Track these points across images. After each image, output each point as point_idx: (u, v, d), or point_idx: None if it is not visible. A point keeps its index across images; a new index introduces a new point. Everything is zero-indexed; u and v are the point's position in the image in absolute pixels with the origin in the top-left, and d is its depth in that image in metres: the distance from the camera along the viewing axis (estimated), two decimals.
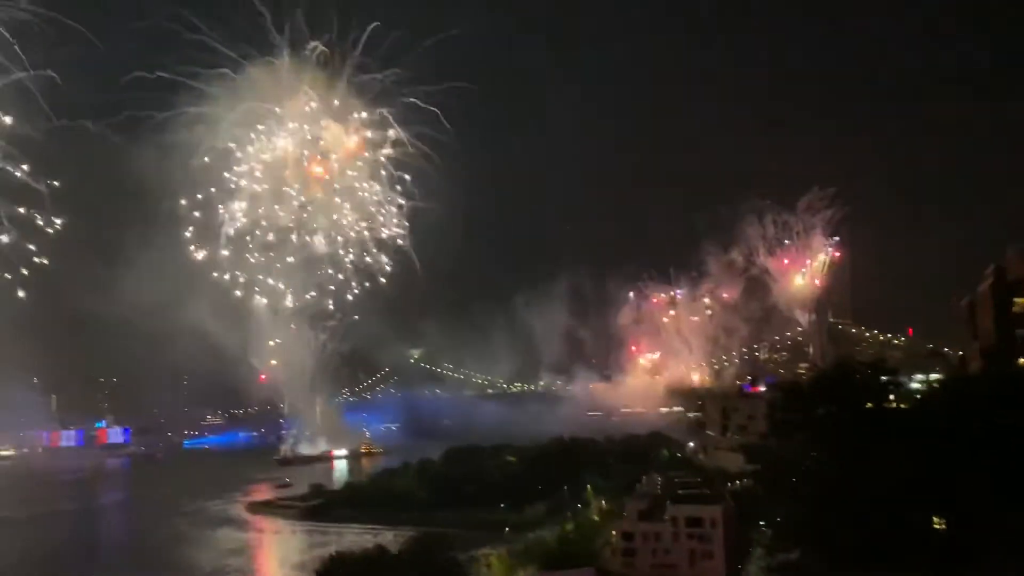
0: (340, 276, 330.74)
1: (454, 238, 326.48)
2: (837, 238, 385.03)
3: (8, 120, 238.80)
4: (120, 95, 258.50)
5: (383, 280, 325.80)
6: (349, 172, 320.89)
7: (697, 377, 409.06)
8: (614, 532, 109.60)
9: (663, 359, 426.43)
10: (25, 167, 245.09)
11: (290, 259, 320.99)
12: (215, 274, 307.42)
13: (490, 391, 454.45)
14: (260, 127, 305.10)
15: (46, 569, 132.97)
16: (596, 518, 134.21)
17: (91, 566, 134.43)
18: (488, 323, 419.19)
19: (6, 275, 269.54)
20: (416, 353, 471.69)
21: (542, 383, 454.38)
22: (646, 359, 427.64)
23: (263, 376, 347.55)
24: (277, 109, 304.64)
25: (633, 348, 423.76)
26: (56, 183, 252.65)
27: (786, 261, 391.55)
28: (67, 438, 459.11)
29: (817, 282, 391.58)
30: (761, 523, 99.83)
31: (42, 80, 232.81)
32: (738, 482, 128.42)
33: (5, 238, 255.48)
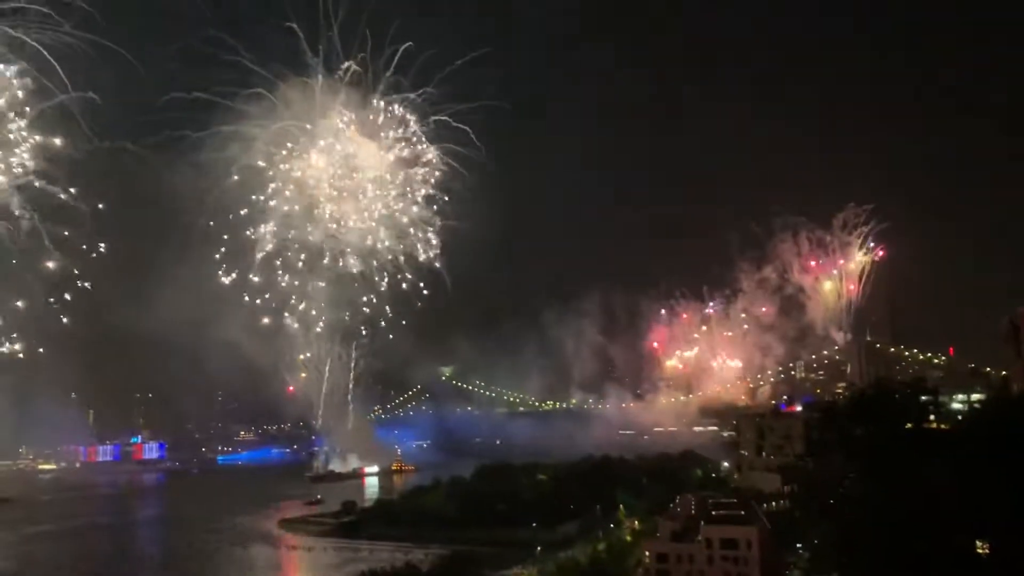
0: (372, 296, 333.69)
1: (486, 256, 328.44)
2: (874, 245, 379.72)
3: (58, 141, 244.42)
4: (158, 116, 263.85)
5: (417, 301, 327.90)
6: (380, 191, 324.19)
7: (731, 396, 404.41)
8: (647, 552, 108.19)
9: (696, 376, 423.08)
10: (72, 190, 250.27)
11: (321, 283, 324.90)
12: (246, 297, 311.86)
13: (521, 409, 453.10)
14: (291, 145, 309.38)
15: None
16: (629, 538, 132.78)
17: None
18: (519, 341, 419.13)
19: (51, 300, 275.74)
20: (447, 371, 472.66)
21: (573, 401, 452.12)
22: (677, 358, 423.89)
23: (291, 388, 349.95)
24: (308, 126, 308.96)
25: (655, 344, 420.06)
26: (101, 206, 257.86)
27: (813, 263, 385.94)
28: (104, 453, 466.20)
29: (851, 287, 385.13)
30: (798, 545, 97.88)
31: (83, 102, 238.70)
32: (774, 503, 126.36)
33: (51, 264, 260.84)
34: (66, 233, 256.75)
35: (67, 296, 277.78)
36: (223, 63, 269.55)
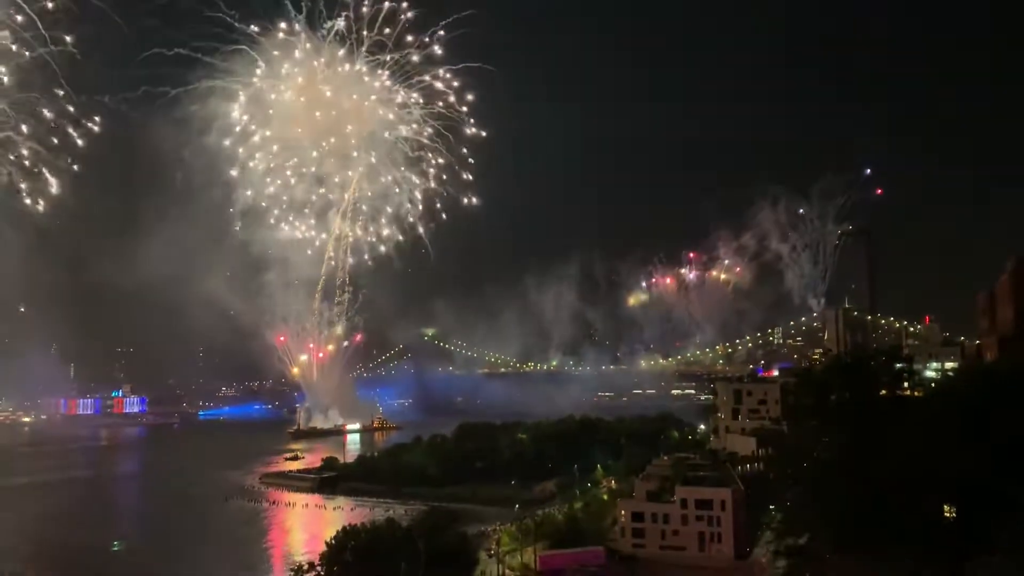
0: (354, 255, 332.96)
1: (468, 219, 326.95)
2: (851, 225, 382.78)
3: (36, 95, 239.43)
4: (137, 72, 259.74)
5: (399, 261, 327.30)
6: (364, 150, 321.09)
7: (709, 361, 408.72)
8: (623, 511, 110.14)
9: (672, 340, 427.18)
10: (51, 144, 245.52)
11: (301, 237, 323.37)
12: (227, 253, 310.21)
13: (502, 370, 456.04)
14: (274, 98, 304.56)
15: (57, 535, 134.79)
16: (605, 497, 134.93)
17: (104, 532, 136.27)
18: (500, 303, 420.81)
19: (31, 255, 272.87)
20: (429, 331, 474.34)
21: (553, 363, 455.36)
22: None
23: (282, 338, 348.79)
24: (289, 83, 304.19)
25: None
26: (74, 165, 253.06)
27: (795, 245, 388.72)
28: (84, 406, 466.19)
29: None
30: (771, 507, 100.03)
31: (62, 56, 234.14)
32: (749, 466, 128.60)
33: (30, 218, 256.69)
34: (52, 186, 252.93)
35: (47, 251, 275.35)
36: (206, 19, 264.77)
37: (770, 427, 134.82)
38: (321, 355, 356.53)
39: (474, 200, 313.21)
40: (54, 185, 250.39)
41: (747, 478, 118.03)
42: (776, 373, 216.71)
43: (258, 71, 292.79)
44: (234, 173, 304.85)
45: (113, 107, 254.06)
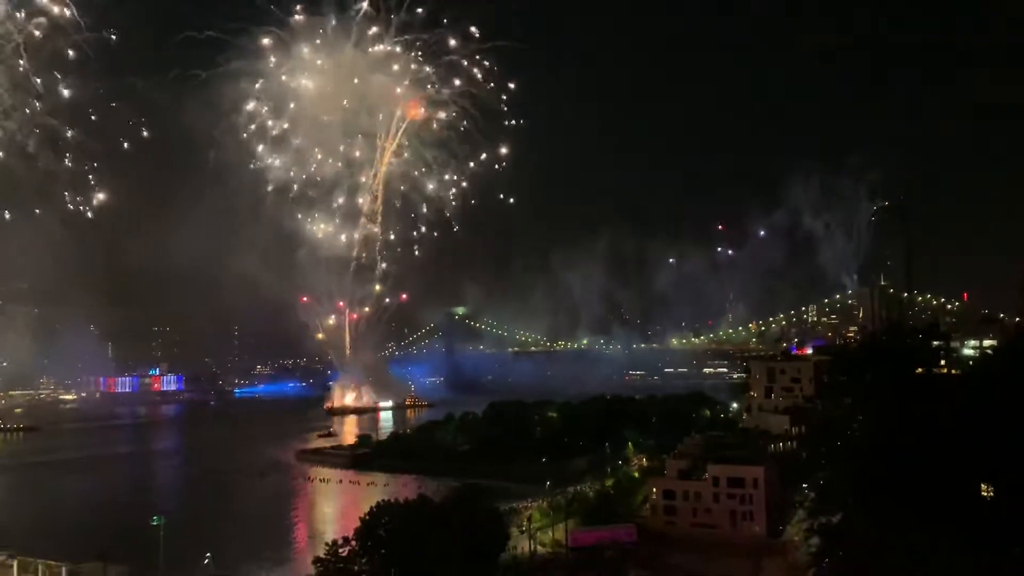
0: (381, 230, 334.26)
1: (498, 199, 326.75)
2: (886, 202, 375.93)
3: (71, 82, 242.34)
4: (170, 55, 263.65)
5: (429, 240, 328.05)
6: (393, 129, 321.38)
7: (742, 339, 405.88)
8: (654, 489, 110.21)
9: (704, 319, 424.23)
10: (86, 130, 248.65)
11: (335, 220, 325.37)
12: (262, 225, 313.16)
13: (532, 348, 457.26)
14: (305, 82, 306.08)
15: (98, 511, 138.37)
16: (637, 475, 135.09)
17: (144, 508, 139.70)
18: (530, 283, 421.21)
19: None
20: (460, 310, 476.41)
21: (584, 342, 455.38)
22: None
23: (304, 298, 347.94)
24: (319, 62, 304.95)
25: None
26: (126, 144, 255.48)
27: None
28: (123, 385, 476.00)
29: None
30: (804, 485, 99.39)
31: (97, 42, 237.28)
32: (781, 444, 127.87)
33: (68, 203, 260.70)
34: (91, 171, 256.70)
35: (85, 232, 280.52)
36: (236, 2, 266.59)
37: (803, 405, 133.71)
38: (355, 316, 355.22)
39: (503, 166, 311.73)
40: (95, 179, 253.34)
41: (780, 456, 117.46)
42: (810, 351, 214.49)
43: (289, 53, 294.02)
44: (264, 154, 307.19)
45: (146, 90, 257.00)
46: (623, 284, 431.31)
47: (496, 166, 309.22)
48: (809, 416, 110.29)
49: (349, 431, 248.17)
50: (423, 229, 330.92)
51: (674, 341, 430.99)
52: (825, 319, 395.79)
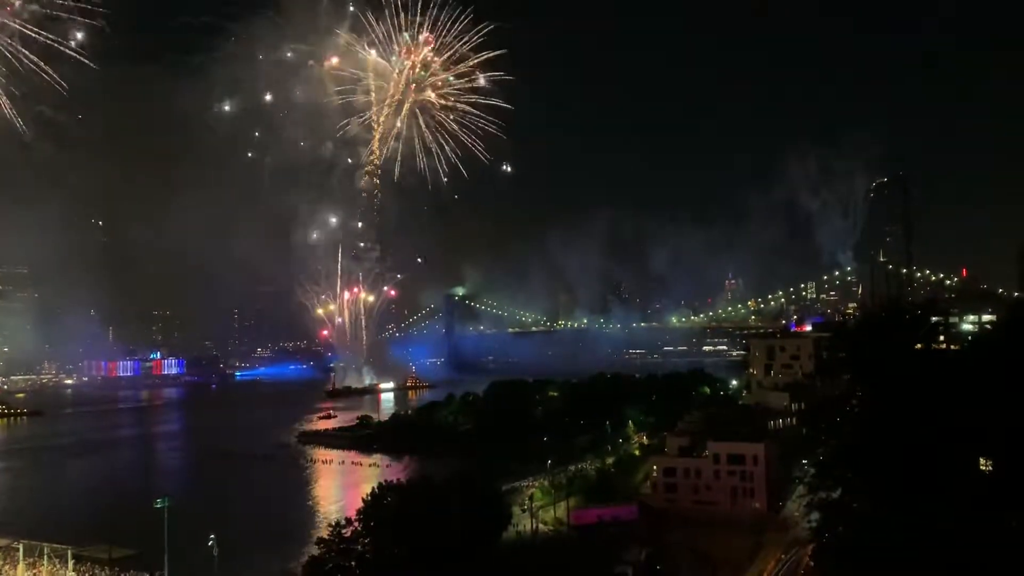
0: (383, 214, 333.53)
1: (496, 178, 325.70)
2: (885, 178, 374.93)
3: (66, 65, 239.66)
4: (165, 38, 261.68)
5: (427, 219, 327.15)
6: (390, 108, 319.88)
7: (740, 316, 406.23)
8: (655, 467, 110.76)
9: (703, 297, 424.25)
10: (82, 115, 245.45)
11: (331, 200, 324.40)
12: (259, 208, 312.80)
13: (532, 328, 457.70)
14: (301, 61, 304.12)
15: (102, 494, 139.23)
16: (637, 453, 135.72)
17: (148, 490, 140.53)
18: (529, 262, 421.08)
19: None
20: (459, 291, 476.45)
21: (584, 321, 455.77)
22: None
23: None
24: (314, 46, 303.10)
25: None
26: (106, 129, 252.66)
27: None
28: (124, 368, 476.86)
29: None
30: (803, 461, 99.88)
31: (91, 26, 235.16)
32: (781, 421, 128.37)
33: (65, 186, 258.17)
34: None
35: (83, 216, 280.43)
36: None
37: (803, 382, 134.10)
38: (355, 297, 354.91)
39: (508, 169, 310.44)
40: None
41: (780, 433, 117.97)
42: (809, 328, 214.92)
43: (283, 35, 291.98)
44: (262, 137, 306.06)
45: (142, 75, 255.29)
46: (622, 263, 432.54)
47: (496, 137, 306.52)
48: (808, 393, 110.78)
49: (350, 413, 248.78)
50: (424, 208, 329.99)
51: (673, 319, 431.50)
52: (824, 296, 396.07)
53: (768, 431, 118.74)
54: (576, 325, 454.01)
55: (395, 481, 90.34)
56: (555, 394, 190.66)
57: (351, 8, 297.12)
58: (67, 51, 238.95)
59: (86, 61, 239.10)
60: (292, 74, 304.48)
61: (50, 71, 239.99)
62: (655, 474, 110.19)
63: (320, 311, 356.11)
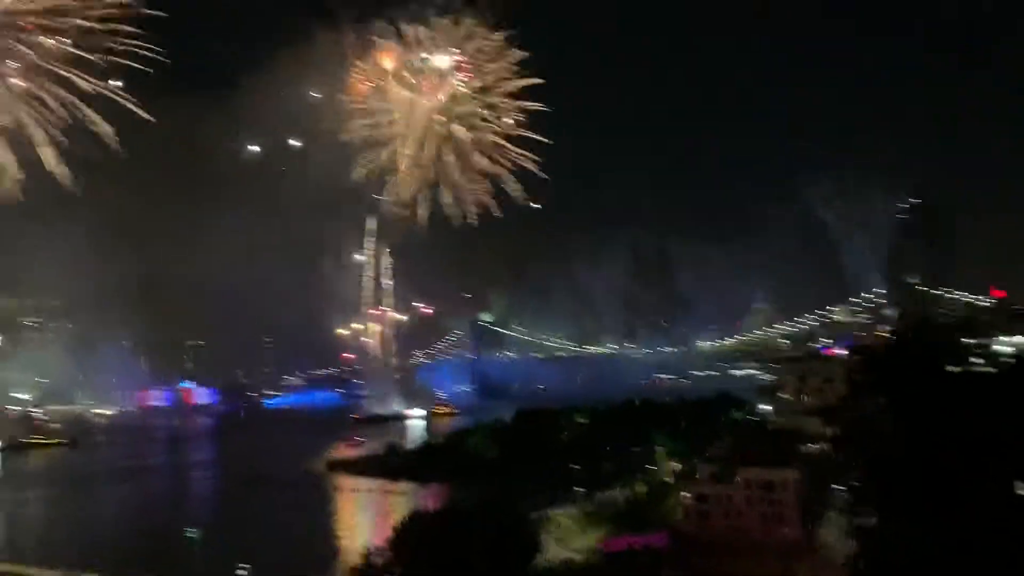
0: (410, 241, 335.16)
1: (525, 210, 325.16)
2: (913, 197, 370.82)
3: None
4: (195, 61, 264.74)
5: (453, 245, 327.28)
6: (417, 137, 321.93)
7: (770, 339, 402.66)
8: (687, 494, 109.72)
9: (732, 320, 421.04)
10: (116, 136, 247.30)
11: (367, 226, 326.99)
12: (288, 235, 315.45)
13: (557, 353, 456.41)
14: (333, 88, 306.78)
15: (134, 522, 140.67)
16: (667, 480, 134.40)
17: (179, 519, 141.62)
18: (556, 287, 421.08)
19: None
20: (486, 316, 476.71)
21: (610, 346, 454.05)
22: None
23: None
24: (352, 71, 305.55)
25: None
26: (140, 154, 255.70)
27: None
28: (156, 398, 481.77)
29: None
30: (838, 487, 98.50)
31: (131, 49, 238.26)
32: (813, 446, 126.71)
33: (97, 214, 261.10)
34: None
35: (111, 246, 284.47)
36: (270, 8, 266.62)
37: (835, 406, 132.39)
38: (383, 324, 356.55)
39: (534, 203, 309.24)
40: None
41: (812, 458, 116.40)
42: (840, 351, 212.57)
43: (319, 56, 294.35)
44: (291, 166, 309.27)
45: (173, 99, 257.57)
46: (648, 287, 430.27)
47: (527, 165, 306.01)
48: (841, 417, 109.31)
49: (378, 440, 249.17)
50: (447, 234, 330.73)
51: (701, 343, 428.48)
52: (855, 318, 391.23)
53: (800, 456, 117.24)
54: (602, 350, 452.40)
55: (424, 510, 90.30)
56: (582, 420, 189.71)
57: (377, 39, 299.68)
58: (107, 92, 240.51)
59: (129, 103, 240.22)
60: (318, 106, 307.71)
61: (86, 109, 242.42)
62: (686, 501, 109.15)
63: (348, 338, 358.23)
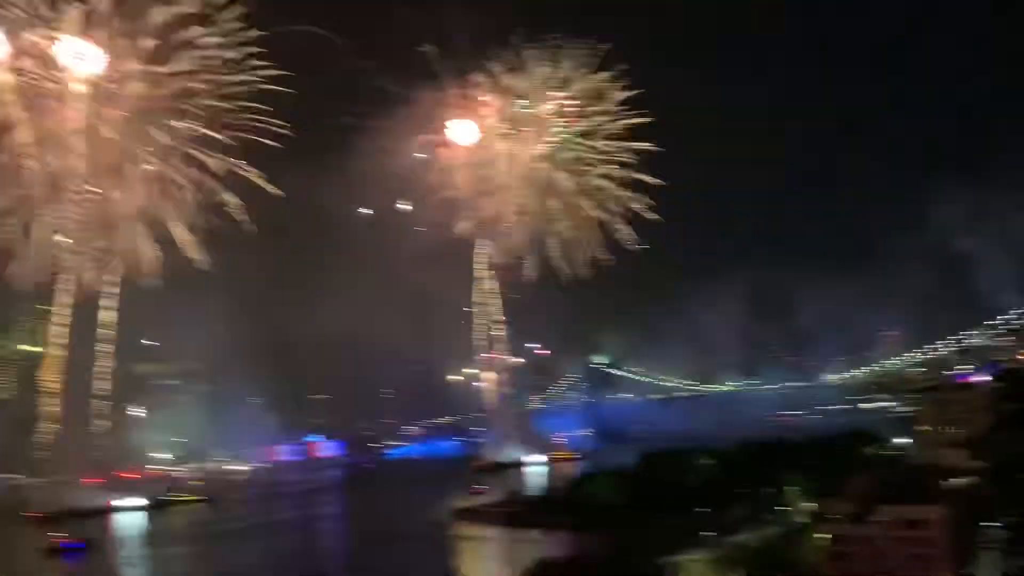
0: (520, 289, 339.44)
1: (634, 253, 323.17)
2: None
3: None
4: (312, 138, 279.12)
5: (562, 281, 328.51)
6: (523, 187, 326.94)
7: (902, 368, 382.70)
8: (824, 536, 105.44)
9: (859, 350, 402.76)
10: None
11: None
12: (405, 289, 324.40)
13: (677, 393, 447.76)
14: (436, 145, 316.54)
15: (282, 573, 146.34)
16: (801, 521, 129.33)
17: (317, 570, 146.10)
18: (671, 326, 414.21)
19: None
20: (600, 358, 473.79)
21: (731, 384, 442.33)
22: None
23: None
24: (448, 128, 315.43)
25: None
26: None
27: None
28: (286, 452, 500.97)
29: None
30: (993, 523, 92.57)
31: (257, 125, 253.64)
32: (959, 480, 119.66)
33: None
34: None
35: (245, 310, 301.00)
36: (361, 78, 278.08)
37: (981, 437, 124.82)
38: (500, 371, 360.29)
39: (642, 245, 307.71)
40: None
41: (959, 493, 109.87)
42: (982, 378, 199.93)
43: (416, 121, 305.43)
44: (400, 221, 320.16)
45: (290, 166, 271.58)
46: (766, 320, 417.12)
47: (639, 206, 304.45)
48: (989, 449, 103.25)
49: (499, 488, 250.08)
50: (557, 278, 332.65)
51: (828, 376, 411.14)
52: (994, 342, 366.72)
53: (944, 492, 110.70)
54: (724, 388, 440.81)
55: (551, 558, 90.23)
56: (709, 462, 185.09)
57: (476, 93, 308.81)
58: (237, 168, 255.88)
59: (257, 178, 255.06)
60: (423, 163, 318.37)
61: (216, 186, 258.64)
62: (823, 542, 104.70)
63: (461, 384, 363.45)
